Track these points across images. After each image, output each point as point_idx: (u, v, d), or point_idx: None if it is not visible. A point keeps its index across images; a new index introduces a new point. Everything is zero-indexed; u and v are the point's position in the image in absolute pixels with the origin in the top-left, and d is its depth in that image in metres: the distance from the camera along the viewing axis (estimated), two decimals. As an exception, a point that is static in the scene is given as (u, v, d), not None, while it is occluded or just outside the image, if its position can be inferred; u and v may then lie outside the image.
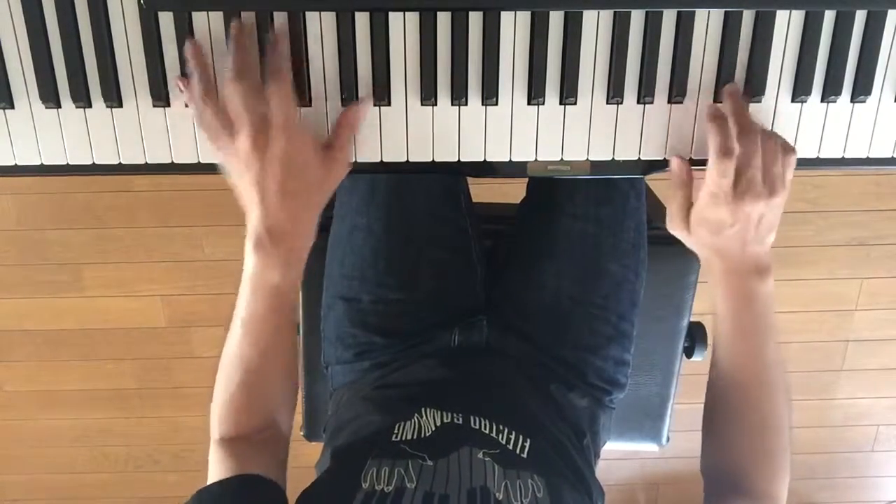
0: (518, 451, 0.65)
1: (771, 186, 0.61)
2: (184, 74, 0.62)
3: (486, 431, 0.66)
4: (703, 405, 0.73)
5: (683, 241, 0.69)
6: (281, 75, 0.60)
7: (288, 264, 0.64)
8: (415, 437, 0.66)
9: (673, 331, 1.00)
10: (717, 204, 0.62)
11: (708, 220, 0.64)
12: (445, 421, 0.67)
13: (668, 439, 1.08)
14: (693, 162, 0.66)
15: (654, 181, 0.72)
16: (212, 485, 0.62)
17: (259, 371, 0.67)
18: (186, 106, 0.63)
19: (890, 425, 2.00)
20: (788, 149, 0.62)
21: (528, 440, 0.67)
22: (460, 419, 0.68)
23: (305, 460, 0.77)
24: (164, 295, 1.82)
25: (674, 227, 0.68)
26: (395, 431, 0.67)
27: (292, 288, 0.66)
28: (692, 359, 1.02)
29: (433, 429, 0.66)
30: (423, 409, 0.69)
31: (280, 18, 0.61)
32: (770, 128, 0.66)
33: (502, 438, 0.66)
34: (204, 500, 0.60)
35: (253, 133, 0.59)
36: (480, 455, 0.62)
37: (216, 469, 0.65)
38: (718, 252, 0.66)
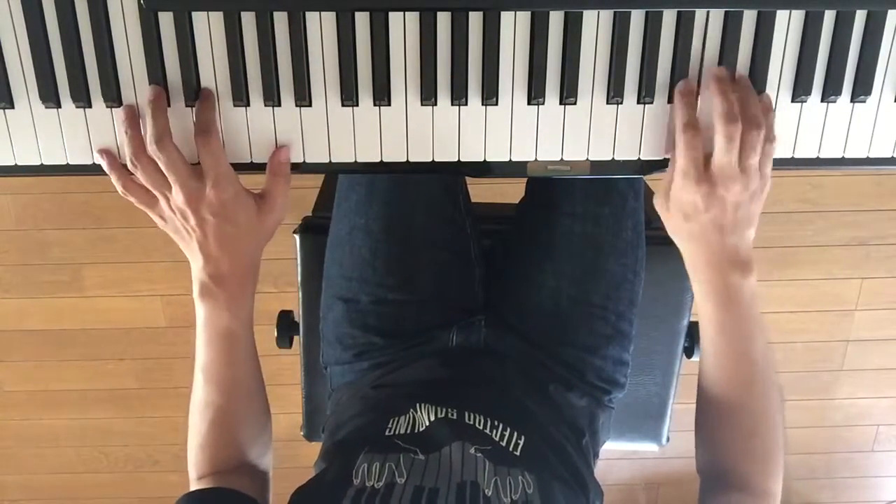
0: (511, 449, 0.65)
1: (746, 174, 0.60)
2: (184, 76, 0.62)
3: (480, 427, 0.67)
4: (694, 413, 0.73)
5: (665, 224, 0.67)
6: (209, 130, 0.61)
7: (236, 304, 0.67)
8: (408, 431, 0.66)
9: (672, 331, 1.01)
10: (689, 184, 0.61)
11: (681, 202, 0.63)
12: (440, 416, 0.68)
13: (668, 439, 1.08)
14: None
15: (654, 181, 0.72)
16: (193, 490, 0.64)
17: (227, 412, 0.70)
18: (188, 105, 0.63)
19: (890, 425, 2.00)
20: (770, 138, 0.61)
21: (523, 438, 0.67)
22: (455, 414, 0.68)
23: (305, 460, 0.77)
24: (164, 295, 1.82)
25: (658, 205, 0.67)
26: (389, 426, 0.67)
27: (246, 326, 0.69)
28: (692, 359, 1.02)
29: (427, 423, 0.67)
30: (418, 405, 0.70)
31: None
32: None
33: (496, 435, 0.66)
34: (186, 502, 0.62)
35: (186, 189, 0.61)
36: (472, 450, 0.62)
37: None
38: (695, 240, 0.64)
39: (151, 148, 0.60)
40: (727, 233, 0.62)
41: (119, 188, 0.64)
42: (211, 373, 0.69)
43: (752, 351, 0.66)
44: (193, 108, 0.63)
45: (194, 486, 0.71)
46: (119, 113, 0.62)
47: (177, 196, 0.62)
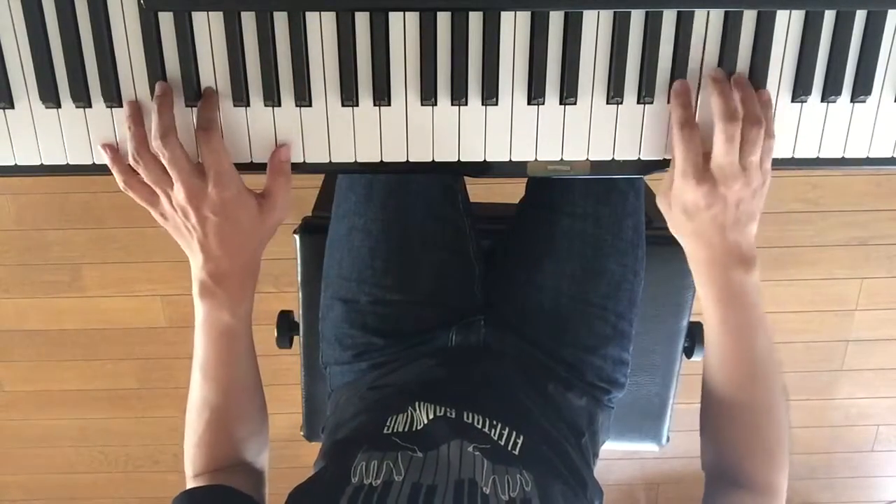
0: (509, 448, 0.65)
1: (748, 170, 0.60)
2: (184, 76, 0.62)
3: (479, 426, 0.67)
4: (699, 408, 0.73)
5: (668, 222, 0.67)
6: (211, 128, 0.61)
7: (235, 303, 0.67)
8: (406, 429, 0.66)
9: (673, 331, 1.00)
10: (689, 183, 0.61)
11: (683, 201, 0.63)
12: (438, 414, 0.68)
13: (668, 439, 1.08)
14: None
15: (654, 181, 0.72)
16: (190, 489, 0.65)
17: (225, 410, 0.70)
18: (188, 105, 0.63)
19: (890, 425, 2.00)
20: (769, 134, 0.61)
21: (521, 437, 0.67)
22: (453, 413, 0.68)
23: (305, 460, 0.78)
24: (164, 295, 1.82)
25: (660, 203, 0.67)
26: (388, 424, 0.67)
27: (245, 325, 0.69)
28: (692, 359, 1.02)
29: (425, 422, 0.67)
30: (416, 403, 0.70)
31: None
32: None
33: (494, 434, 0.66)
34: (184, 500, 0.62)
35: (188, 186, 0.61)
36: (471, 449, 0.62)
37: None
38: (698, 238, 0.64)
39: (156, 143, 0.60)
40: (729, 230, 0.62)
41: (120, 183, 0.64)
42: (209, 371, 0.69)
43: (755, 346, 0.66)
44: (194, 109, 0.63)
45: (190, 483, 0.71)
46: (123, 109, 0.62)
47: (178, 193, 0.61)
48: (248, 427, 0.74)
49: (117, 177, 0.64)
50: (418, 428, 0.66)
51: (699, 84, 0.64)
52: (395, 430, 0.66)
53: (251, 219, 0.65)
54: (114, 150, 0.64)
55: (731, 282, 0.64)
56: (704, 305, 0.67)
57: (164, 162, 0.61)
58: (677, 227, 0.66)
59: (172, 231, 0.65)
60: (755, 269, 0.64)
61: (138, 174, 0.63)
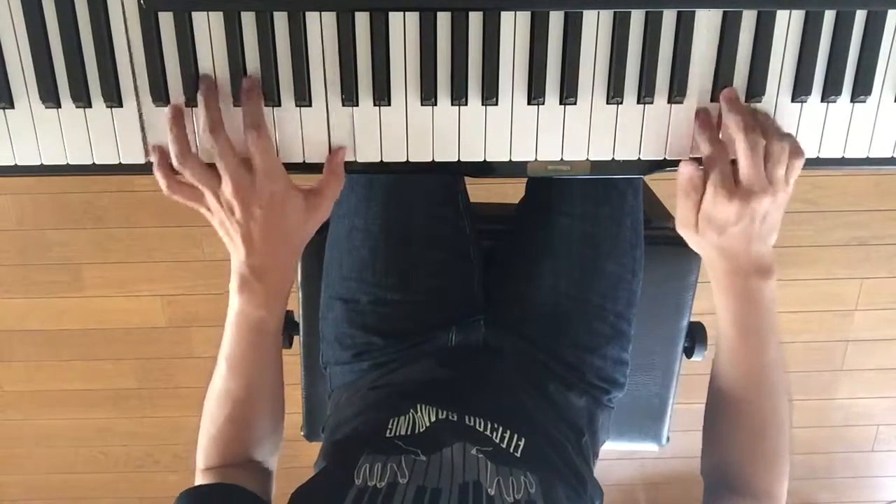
0: (512, 450, 0.65)
1: (775, 185, 0.61)
2: (183, 76, 0.62)
3: (481, 429, 0.67)
4: (703, 405, 0.73)
5: (689, 242, 0.68)
6: (259, 124, 0.61)
7: (272, 301, 0.67)
8: (408, 432, 0.66)
9: (673, 331, 1.00)
10: (721, 200, 0.62)
11: (715, 219, 0.63)
12: (440, 417, 0.68)
13: (668, 439, 1.08)
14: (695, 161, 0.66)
15: (654, 180, 0.72)
16: (197, 486, 0.65)
17: (246, 406, 0.70)
18: (188, 105, 0.63)
19: (890, 425, 2.00)
20: (797, 152, 0.61)
21: (523, 439, 0.67)
22: (455, 416, 0.68)
23: (305, 460, 0.77)
24: (164, 295, 1.82)
25: (683, 229, 0.67)
26: (389, 427, 0.67)
27: (278, 322, 0.69)
28: (692, 359, 1.02)
29: (427, 425, 0.67)
30: (417, 406, 0.70)
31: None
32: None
33: (496, 437, 0.66)
34: (191, 498, 0.62)
35: (236, 180, 0.60)
36: (474, 451, 0.62)
37: None
38: (724, 252, 0.65)
39: (205, 136, 0.60)
40: (753, 242, 0.63)
41: (164, 188, 0.63)
42: (236, 365, 0.68)
43: (766, 351, 0.67)
44: (193, 109, 0.63)
45: (199, 476, 0.71)
46: (165, 113, 0.62)
47: (226, 187, 0.61)
48: (267, 426, 0.74)
49: (161, 181, 0.63)
50: (420, 431, 0.66)
51: (698, 86, 0.64)
52: (397, 434, 0.66)
53: (297, 214, 0.64)
54: (163, 153, 0.63)
55: (749, 289, 0.65)
56: (719, 309, 0.68)
57: (214, 155, 0.60)
58: (703, 243, 0.66)
59: (217, 226, 0.64)
60: (773, 276, 0.65)
61: (180, 176, 0.62)
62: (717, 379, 0.71)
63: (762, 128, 0.61)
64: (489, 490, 0.58)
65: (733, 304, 0.66)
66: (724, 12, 0.62)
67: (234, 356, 0.68)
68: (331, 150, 0.65)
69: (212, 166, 0.62)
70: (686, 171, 0.64)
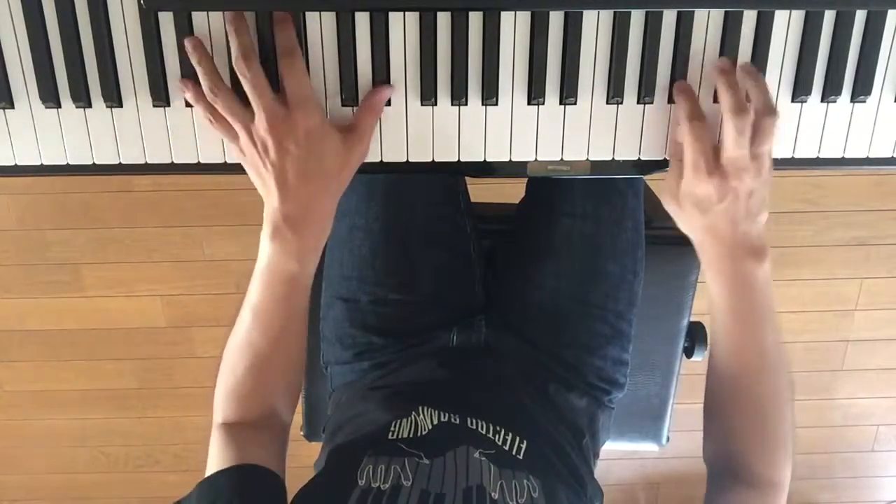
0: (514, 453, 0.65)
1: (758, 160, 0.60)
2: (184, 76, 0.62)
3: (483, 432, 0.67)
4: (703, 401, 0.73)
5: (677, 220, 0.67)
6: (293, 52, 0.59)
7: (305, 253, 0.64)
8: (411, 435, 0.66)
9: (673, 331, 1.00)
10: (700, 176, 0.61)
11: (695, 196, 0.63)
12: (442, 420, 0.67)
13: (668, 439, 1.08)
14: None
15: (654, 180, 0.72)
16: (212, 475, 0.62)
17: (268, 358, 0.67)
18: (188, 105, 0.63)
19: (890, 425, 2.00)
20: (772, 111, 0.60)
21: (525, 442, 0.67)
22: (457, 419, 0.68)
23: (305, 460, 0.77)
24: (164, 295, 1.82)
25: (667, 203, 0.66)
26: (392, 429, 0.67)
27: (309, 276, 0.66)
28: (692, 359, 1.02)
29: (429, 427, 0.67)
30: (420, 408, 0.69)
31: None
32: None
33: (498, 439, 0.66)
34: (204, 490, 0.60)
35: (270, 114, 0.58)
36: (477, 454, 0.62)
37: (217, 454, 0.65)
38: (709, 231, 0.64)
39: (238, 65, 0.57)
40: (740, 221, 0.62)
41: (206, 117, 0.61)
42: (262, 316, 0.66)
43: (764, 337, 0.66)
44: (192, 108, 0.63)
45: (216, 432, 0.68)
46: (186, 45, 0.60)
47: (259, 122, 0.58)
48: (287, 378, 0.71)
49: (203, 112, 0.61)
50: (423, 434, 0.66)
51: (700, 82, 0.64)
52: (400, 436, 0.66)
53: (334, 154, 0.61)
54: (195, 85, 0.60)
55: (741, 272, 0.64)
56: (713, 294, 0.67)
57: (246, 86, 0.58)
58: (688, 222, 0.66)
59: (250, 168, 0.61)
60: (766, 259, 0.63)
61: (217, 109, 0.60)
62: (715, 365, 0.70)
63: (753, 91, 0.60)
64: (493, 494, 0.58)
65: (726, 289, 0.65)
66: (725, 12, 0.62)
67: (260, 308, 0.65)
68: None
69: (246, 104, 0.59)
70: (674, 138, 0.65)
